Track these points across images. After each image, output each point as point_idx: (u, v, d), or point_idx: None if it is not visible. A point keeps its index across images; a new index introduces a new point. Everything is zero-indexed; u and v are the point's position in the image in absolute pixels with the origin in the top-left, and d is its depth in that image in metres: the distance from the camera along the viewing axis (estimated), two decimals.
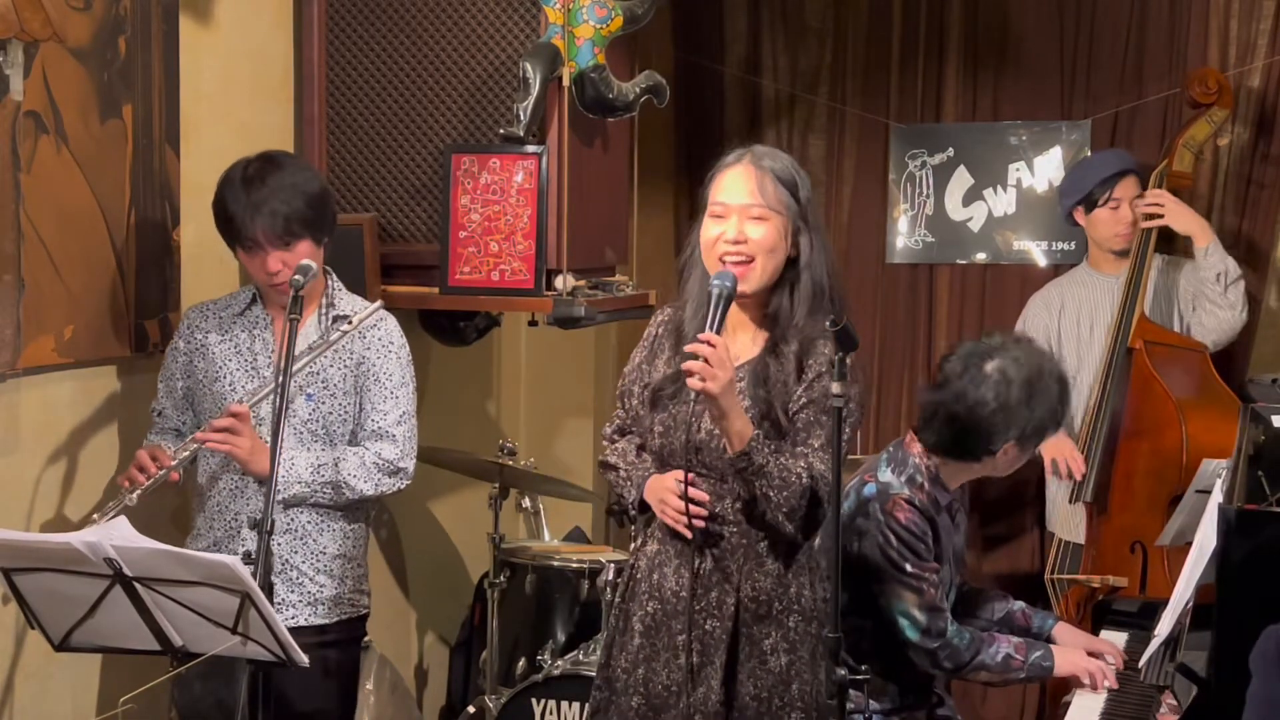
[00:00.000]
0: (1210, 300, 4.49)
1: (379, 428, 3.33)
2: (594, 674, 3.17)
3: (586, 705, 3.15)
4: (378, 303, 3.33)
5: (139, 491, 3.10)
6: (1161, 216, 4.50)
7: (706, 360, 2.70)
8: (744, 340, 2.97)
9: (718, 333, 2.76)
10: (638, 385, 3.07)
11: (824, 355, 2.91)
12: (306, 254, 3.23)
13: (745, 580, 2.93)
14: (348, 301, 3.41)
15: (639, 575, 3.05)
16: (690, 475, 2.88)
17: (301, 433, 3.29)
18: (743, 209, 2.90)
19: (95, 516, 3.11)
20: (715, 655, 2.93)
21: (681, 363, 2.80)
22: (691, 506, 2.88)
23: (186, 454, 3.18)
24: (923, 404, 3.31)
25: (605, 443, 3.17)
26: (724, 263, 2.88)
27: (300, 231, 3.23)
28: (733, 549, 2.94)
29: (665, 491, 2.93)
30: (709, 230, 2.94)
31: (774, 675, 2.94)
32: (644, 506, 3.01)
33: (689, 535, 2.91)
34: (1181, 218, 4.51)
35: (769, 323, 2.96)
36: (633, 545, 3.12)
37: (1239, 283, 4.51)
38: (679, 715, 2.94)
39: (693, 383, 2.72)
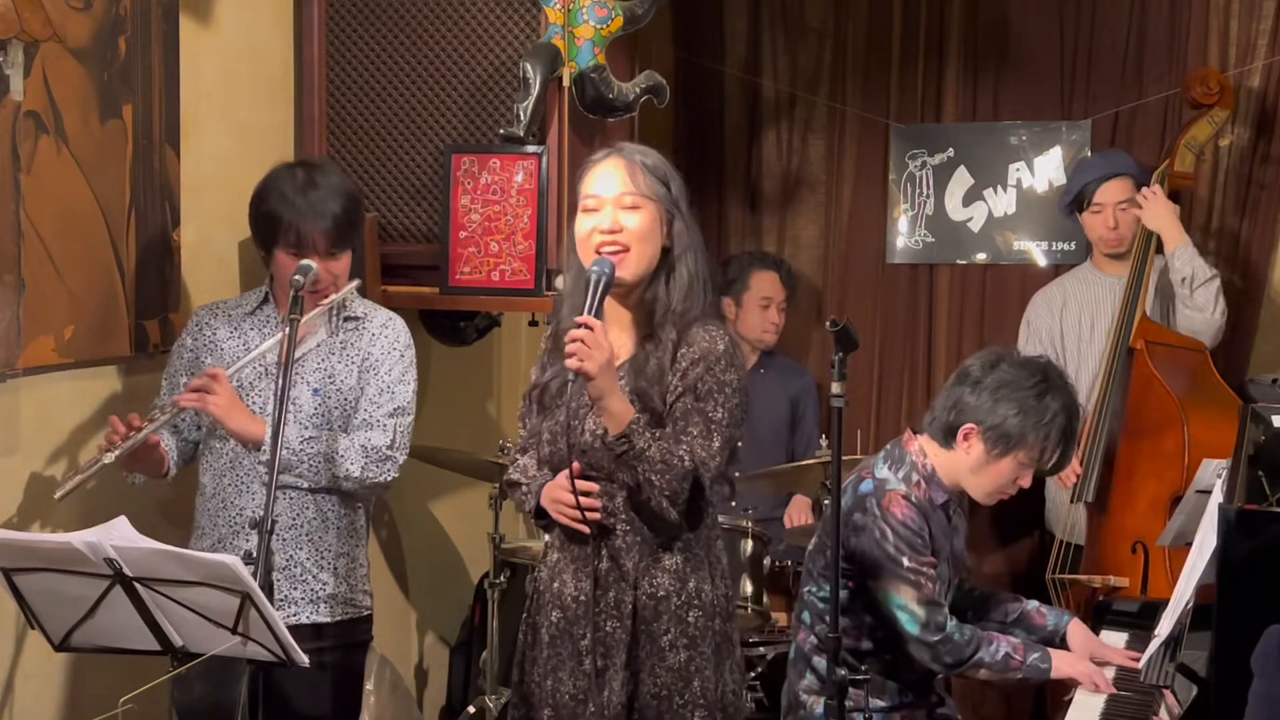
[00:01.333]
0: (1181, 302, 4.51)
1: (370, 417, 3.34)
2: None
3: None
4: (355, 281, 3.36)
5: (117, 452, 3.10)
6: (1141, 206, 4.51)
7: (583, 341, 2.73)
8: (622, 339, 2.96)
9: (597, 318, 2.78)
10: (529, 401, 3.08)
11: (700, 342, 2.90)
12: (346, 264, 3.32)
13: (643, 578, 2.93)
14: (360, 305, 3.44)
15: (541, 587, 3.04)
16: (578, 467, 2.87)
17: (306, 427, 3.30)
18: (616, 199, 2.91)
19: (72, 474, 3.14)
20: (616, 656, 2.92)
21: (564, 361, 2.80)
22: (583, 499, 2.86)
23: (165, 416, 3.19)
24: (938, 402, 3.39)
25: (509, 466, 3.16)
26: (600, 253, 2.88)
27: (347, 244, 3.31)
28: (628, 547, 2.93)
29: (557, 490, 2.92)
30: (583, 224, 2.94)
31: (673, 672, 2.92)
32: (541, 514, 2.99)
33: (585, 530, 2.89)
34: (1156, 216, 4.51)
35: (645, 314, 2.96)
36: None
37: (1208, 285, 4.48)
38: None
39: (570, 362, 2.73)
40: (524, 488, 3.04)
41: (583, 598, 2.94)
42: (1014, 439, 3.27)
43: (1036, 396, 3.27)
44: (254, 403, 3.30)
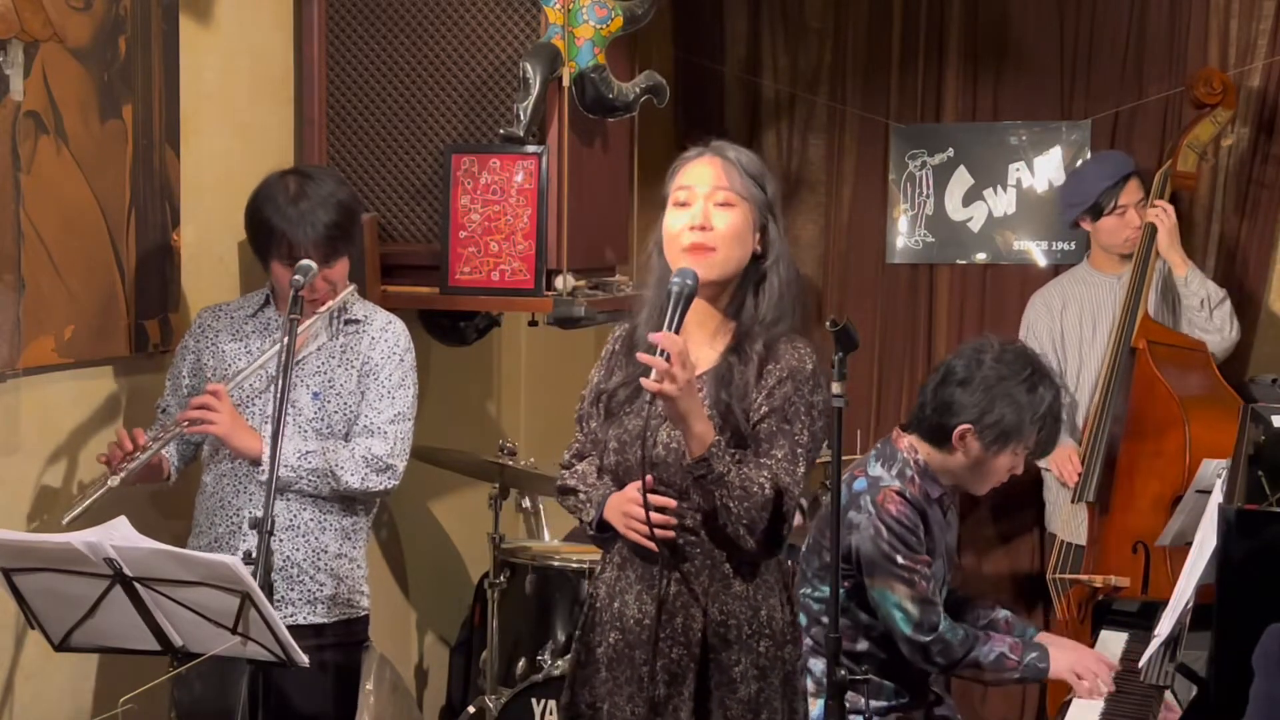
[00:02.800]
0: (1198, 326, 4.51)
1: (371, 424, 3.33)
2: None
3: None
4: (352, 286, 3.35)
5: (122, 474, 3.10)
6: (1159, 227, 4.50)
7: (666, 359, 2.54)
8: (702, 346, 2.80)
9: (676, 333, 2.59)
10: (594, 407, 2.91)
11: (788, 359, 2.77)
12: (343, 271, 3.33)
13: (712, 603, 2.76)
14: (360, 307, 3.44)
15: (598, 604, 2.87)
16: (651, 480, 2.71)
17: (306, 431, 3.30)
18: (709, 193, 2.76)
19: (76, 497, 3.14)
20: (684, 685, 2.76)
21: (638, 369, 2.66)
22: (655, 515, 2.69)
23: (168, 435, 3.19)
24: (924, 399, 3.34)
25: (562, 469, 2.98)
26: (688, 252, 2.73)
27: (342, 251, 3.31)
28: (697, 570, 2.77)
29: (627, 504, 2.75)
30: (673, 221, 2.77)
31: (743, 704, 2.77)
32: (603, 527, 2.83)
33: (654, 548, 2.72)
34: (1171, 242, 4.51)
35: (730, 323, 2.81)
36: (595, 573, 2.95)
37: (1223, 305, 4.52)
38: None
39: (648, 384, 2.55)
40: (581, 495, 2.88)
41: (646, 620, 2.77)
42: (1011, 434, 3.27)
43: (1029, 390, 3.26)
44: (255, 407, 3.29)
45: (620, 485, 2.82)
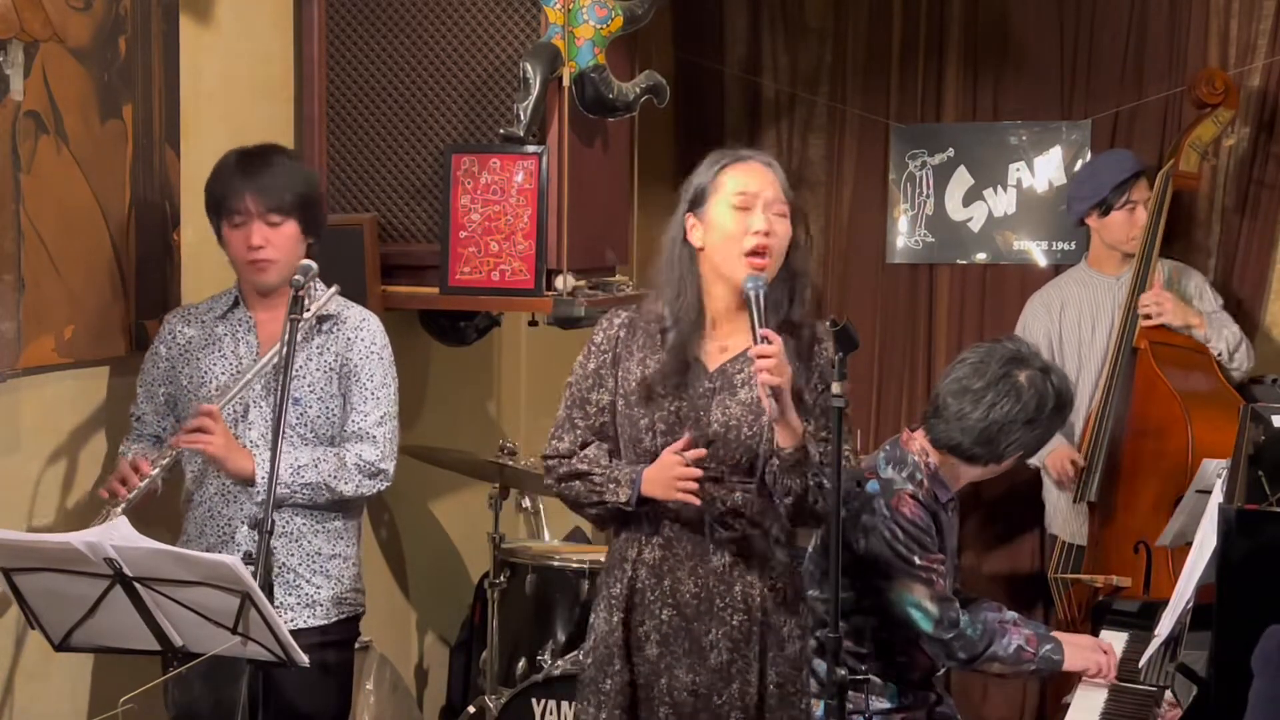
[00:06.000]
0: (1223, 368, 4.52)
1: (359, 429, 3.31)
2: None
3: None
4: (334, 287, 3.29)
5: (123, 505, 3.07)
6: (1158, 316, 4.47)
7: (771, 357, 2.74)
8: (737, 336, 2.97)
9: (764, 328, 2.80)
10: (595, 392, 3.03)
11: (823, 355, 2.97)
12: (291, 238, 3.25)
13: (765, 572, 2.97)
14: (334, 302, 3.39)
15: (640, 586, 2.99)
16: (689, 439, 2.89)
17: (290, 436, 3.26)
18: (768, 203, 2.92)
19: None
20: (747, 649, 2.96)
21: (674, 356, 2.89)
22: (692, 475, 2.87)
23: (166, 461, 3.15)
24: (945, 402, 3.30)
25: (554, 460, 3.05)
26: (750, 255, 2.88)
27: (290, 210, 3.24)
28: (749, 542, 2.96)
29: (669, 468, 2.89)
30: (734, 220, 2.91)
31: (789, 662, 2.99)
32: (642, 502, 2.94)
33: (697, 501, 2.88)
34: (1175, 316, 4.49)
35: (770, 319, 2.95)
36: (615, 558, 3.03)
37: (1241, 345, 4.55)
38: (713, 717, 2.94)
39: (764, 378, 2.74)
40: (597, 476, 2.98)
41: (703, 594, 2.95)
42: (1032, 450, 3.36)
43: (1038, 410, 3.25)
44: (235, 411, 3.27)
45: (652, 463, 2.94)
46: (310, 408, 3.29)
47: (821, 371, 2.96)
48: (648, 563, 3.00)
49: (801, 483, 2.86)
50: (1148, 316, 4.47)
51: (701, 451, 2.90)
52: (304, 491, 3.24)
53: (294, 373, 3.25)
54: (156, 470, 3.13)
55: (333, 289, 3.29)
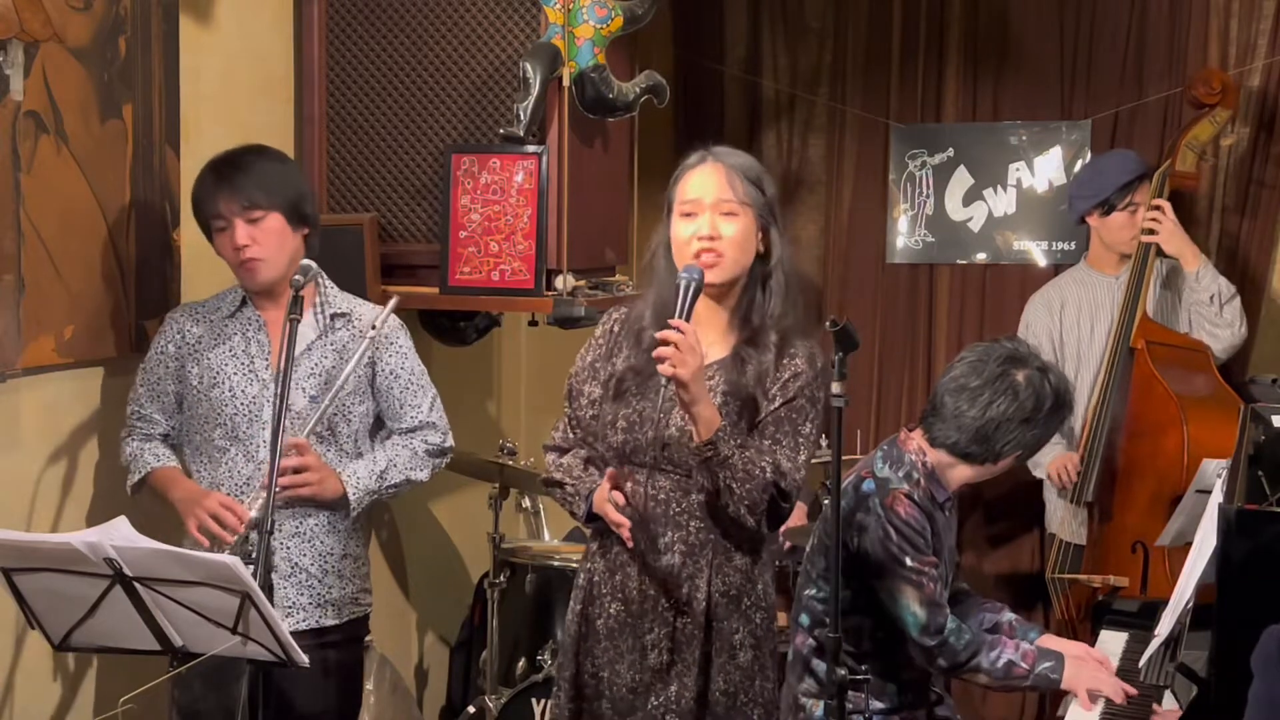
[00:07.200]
0: (1208, 321, 4.51)
1: (419, 420, 3.39)
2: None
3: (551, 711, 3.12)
4: (394, 300, 3.30)
5: (228, 550, 3.02)
6: (1156, 233, 4.49)
7: (676, 346, 2.71)
8: (713, 339, 2.96)
9: (686, 321, 2.77)
10: (589, 384, 3.06)
11: (803, 357, 2.95)
12: (276, 231, 3.24)
13: (715, 575, 2.95)
14: (343, 299, 3.40)
15: (597, 579, 3.03)
16: (613, 474, 2.90)
17: (344, 446, 3.30)
18: (714, 205, 2.92)
19: None
20: (689, 651, 2.94)
21: (645, 355, 2.84)
22: (617, 515, 2.88)
23: (262, 499, 3.01)
24: (942, 401, 3.30)
25: (550, 450, 3.14)
26: (698, 259, 2.89)
27: (264, 203, 3.22)
28: (701, 544, 2.94)
29: (603, 504, 2.93)
30: (681, 229, 2.94)
31: (742, 670, 2.96)
32: (592, 518, 3.00)
33: (628, 538, 2.91)
34: (1173, 239, 4.50)
35: (740, 319, 2.97)
36: (587, 550, 3.10)
37: (1233, 301, 4.52)
38: (648, 716, 2.94)
39: (664, 368, 2.72)
40: (568, 488, 3.03)
41: (651, 592, 2.94)
42: (1029, 450, 3.35)
43: (1035, 409, 3.25)
44: (255, 414, 3.27)
45: (623, 461, 2.96)
46: (352, 413, 3.32)
47: (784, 384, 2.92)
48: (605, 557, 3.03)
49: (712, 481, 2.85)
50: (1151, 231, 4.48)
51: (619, 498, 2.89)
52: (389, 492, 3.35)
53: (310, 371, 3.28)
54: (254, 510, 3.06)
55: (393, 301, 3.30)
